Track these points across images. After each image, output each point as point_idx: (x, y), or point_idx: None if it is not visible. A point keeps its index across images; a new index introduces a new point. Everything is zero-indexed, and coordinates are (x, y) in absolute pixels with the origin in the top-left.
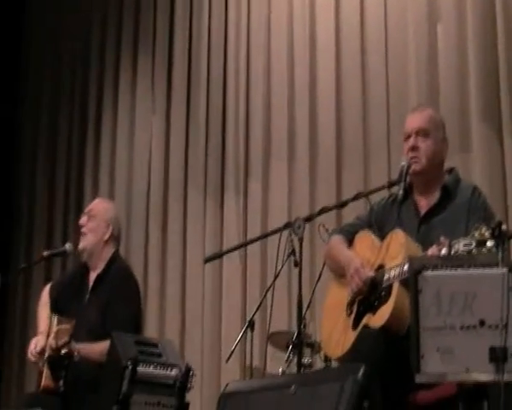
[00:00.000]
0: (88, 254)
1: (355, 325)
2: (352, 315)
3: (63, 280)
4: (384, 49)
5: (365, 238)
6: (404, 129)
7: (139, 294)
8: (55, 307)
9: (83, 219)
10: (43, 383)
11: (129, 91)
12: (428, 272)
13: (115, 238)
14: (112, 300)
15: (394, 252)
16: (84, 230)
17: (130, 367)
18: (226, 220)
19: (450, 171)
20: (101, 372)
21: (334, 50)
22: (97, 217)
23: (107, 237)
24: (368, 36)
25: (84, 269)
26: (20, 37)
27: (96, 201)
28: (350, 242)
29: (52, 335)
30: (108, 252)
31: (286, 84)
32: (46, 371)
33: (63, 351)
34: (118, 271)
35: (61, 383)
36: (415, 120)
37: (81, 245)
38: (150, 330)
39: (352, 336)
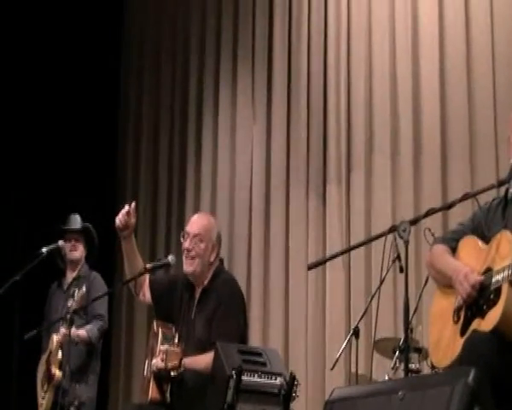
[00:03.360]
0: (196, 277)
1: (463, 331)
2: (460, 322)
3: (166, 284)
4: (490, 39)
5: (470, 243)
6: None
7: (244, 305)
8: (157, 309)
9: (188, 243)
10: (150, 396)
11: (229, 101)
12: None
13: (218, 252)
14: (217, 312)
15: (504, 252)
16: (191, 254)
17: (234, 377)
18: (329, 223)
19: None
20: (206, 382)
21: (437, 45)
22: (204, 241)
23: (213, 258)
24: (472, 27)
25: (190, 283)
26: (119, 51)
27: (199, 220)
28: (453, 249)
29: (160, 354)
30: (213, 267)
31: (388, 81)
32: (153, 384)
33: (172, 373)
34: (222, 283)
35: (168, 395)
36: None
37: (189, 269)
38: (254, 339)
39: (460, 342)
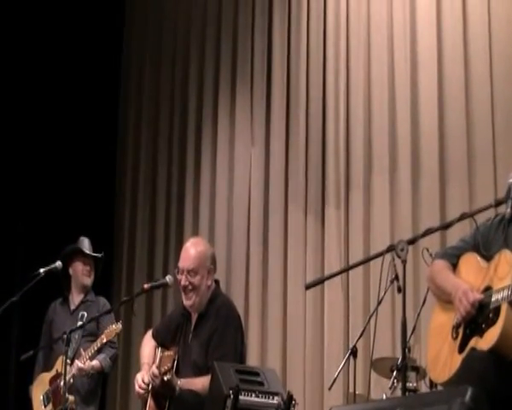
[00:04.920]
0: (195, 308)
1: (461, 348)
2: (459, 338)
3: (165, 324)
4: (489, 59)
5: (471, 260)
6: None
7: (240, 325)
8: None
9: (184, 280)
10: None
11: (227, 124)
12: None
13: (214, 272)
14: (213, 337)
15: (502, 273)
16: (188, 289)
17: (232, 396)
18: (327, 243)
19: None
20: (203, 402)
21: (436, 63)
22: (198, 273)
23: (210, 282)
24: (471, 50)
25: (186, 311)
26: (118, 78)
27: (191, 252)
28: (454, 265)
29: (156, 362)
30: (210, 291)
31: (386, 102)
32: (150, 402)
33: (165, 377)
34: (218, 307)
35: None
36: None
37: (188, 303)
38: (252, 359)
39: (458, 359)
